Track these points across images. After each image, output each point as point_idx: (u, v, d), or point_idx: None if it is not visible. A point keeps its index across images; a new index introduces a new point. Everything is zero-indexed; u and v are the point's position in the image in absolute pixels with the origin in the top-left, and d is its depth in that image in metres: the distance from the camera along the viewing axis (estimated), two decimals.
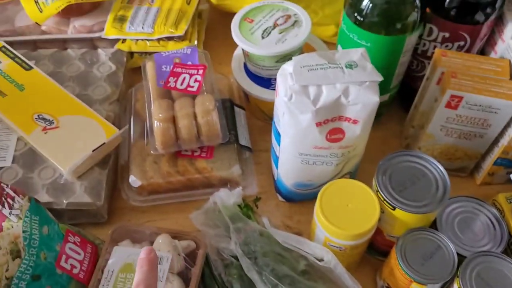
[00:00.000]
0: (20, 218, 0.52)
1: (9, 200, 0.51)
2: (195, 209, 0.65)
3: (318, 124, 0.56)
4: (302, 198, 0.70)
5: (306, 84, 0.54)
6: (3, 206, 0.50)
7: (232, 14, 0.75)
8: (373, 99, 0.54)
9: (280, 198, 0.72)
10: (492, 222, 0.61)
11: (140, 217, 0.70)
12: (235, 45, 0.80)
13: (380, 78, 0.55)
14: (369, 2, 0.62)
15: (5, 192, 0.51)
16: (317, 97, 0.54)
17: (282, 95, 0.56)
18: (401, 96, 0.78)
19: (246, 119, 0.77)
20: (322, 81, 0.54)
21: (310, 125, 0.56)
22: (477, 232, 0.60)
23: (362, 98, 0.54)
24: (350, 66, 0.56)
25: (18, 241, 0.51)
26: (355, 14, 0.64)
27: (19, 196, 0.53)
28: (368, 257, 0.66)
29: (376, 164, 0.69)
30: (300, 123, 0.56)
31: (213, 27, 0.94)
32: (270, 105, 0.75)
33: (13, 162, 0.67)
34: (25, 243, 0.51)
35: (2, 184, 0.51)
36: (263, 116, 0.79)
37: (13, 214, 0.51)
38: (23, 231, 0.51)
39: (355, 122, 0.57)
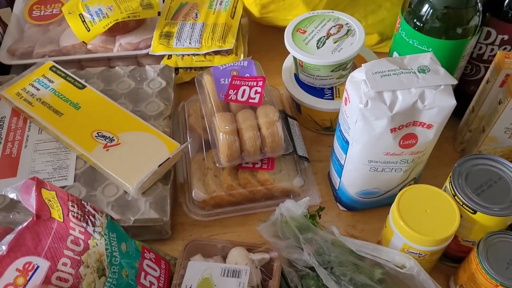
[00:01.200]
0: (102, 236, 0.51)
1: (91, 217, 0.50)
2: (257, 222, 0.64)
3: (393, 130, 0.56)
4: (365, 207, 0.69)
5: (381, 90, 0.54)
6: (87, 223, 0.49)
7: (270, 27, 0.75)
8: (450, 102, 0.54)
9: (340, 207, 0.71)
10: None
11: (202, 232, 0.69)
12: (277, 57, 0.81)
13: (455, 81, 0.55)
14: (429, 8, 0.63)
15: (86, 210, 0.50)
16: (393, 103, 0.54)
17: (356, 102, 0.55)
18: None
19: (300, 130, 0.76)
20: (397, 86, 0.54)
21: (385, 131, 0.55)
22: None
23: (438, 102, 0.54)
24: (423, 70, 0.56)
25: (103, 259, 0.50)
26: (415, 20, 0.64)
27: (98, 213, 0.52)
28: (438, 263, 0.65)
29: (432, 170, 0.70)
30: (374, 129, 0.56)
31: (253, 40, 0.95)
32: (323, 115, 0.76)
33: (75, 180, 0.66)
34: (108, 260, 0.50)
35: (83, 202, 0.51)
36: (315, 126, 0.79)
37: (96, 232, 0.50)
38: (106, 249, 0.51)
39: (429, 126, 0.56)
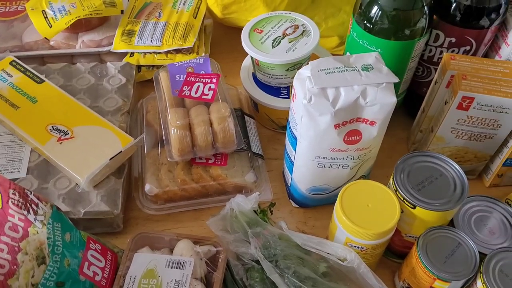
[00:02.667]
0: (44, 224, 0.51)
1: (33, 206, 0.51)
2: (209, 216, 0.65)
3: (337, 126, 0.57)
4: (316, 204, 0.71)
5: (324, 86, 0.56)
6: (28, 211, 0.50)
7: (234, 28, 0.76)
8: (391, 99, 0.56)
9: (293, 204, 0.72)
10: (508, 219, 0.62)
11: (155, 226, 0.69)
12: (239, 58, 0.82)
13: (396, 79, 0.56)
14: (378, 10, 0.65)
15: (29, 198, 0.51)
16: (336, 99, 0.55)
17: (301, 98, 0.57)
18: (406, 102, 0.80)
19: (256, 128, 0.78)
20: (340, 83, 0.56)
21: (329, 127, 0.57)
22: (493, 229, 0.61)
23: (380, 99, 0.56)
24: (366, 68, 0.57)
25: (43, 247, 0.50)
26: (365, 22, 0.66)
27: (42, 203, 0.52)
28: (384, 259, 0.66)
29: (384, 169, 0.71)
30: (318, 125, 0.57)
31: (217, 41, 0.96)
32: (280, 113, 0.77)
33: (27, 173, 0.67)
34: (49, 249, 0.50)
35: (26, 191, 0.51)
36: (272, 124, 0.80)
37: (38, 220, 0.50)
38: (47, 238, 0.51)
39: (372, 123, 0.58)
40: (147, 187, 0.67)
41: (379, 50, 0.66)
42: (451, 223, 0.61)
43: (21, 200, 0.50)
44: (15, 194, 0.49)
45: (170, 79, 0.70)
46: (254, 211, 0.66)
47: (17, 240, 0.48)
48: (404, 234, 0.61)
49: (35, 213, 0.51)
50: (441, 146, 0.70)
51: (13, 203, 0.49)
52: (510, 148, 0.67)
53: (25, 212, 0.50)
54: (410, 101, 0.79)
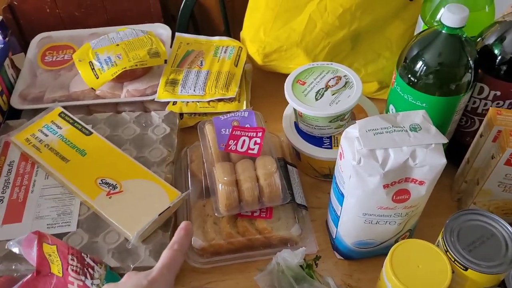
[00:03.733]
0: (100, 287, 0.52)
1: (90, 270, 0.52)
2: (255, 269, 0.65)
3: (386, 186, 0.57)
4: (361, 256, 0.70)
5: (373, 148, 0.56)
6: (86, 276, 0.51)
7: (273, 73, 0.77)
8: (440, 160, 0.56)
9: (338, 256, 0.72)
10: None
11: (201, 279, 0.70)
12: (279, 102, 0.83)
13: (445, 140, 0.57)
14: (423, 65, 0.65)
15: (86, 262, 0.52)
16: (385, 160, 0.56)
17: (349, 158, 0.57)
18: (450, 150, 0.79)
19: (299, 177, 0.78)
20: (389, 144, 0.56)
21: (378, 187, 0.57)
22: None
23: (429, 160, 0.56)
24: (414, 129, 0.57)
25: None
26: (409, 76, 0.67)
27: (97, 265, 0.54)
28: None
29: (429, 219, 0.70)
30: (367, 185, 0.57)
31: (257, 85, 0.97)
32: (322, 163, 0.77)
33: (77, 227, 0.68)
34: None
35: (82, 255, 0.53)
36: (314, 173, 0.81)
37: (94, 284, 0.52)
38: None
39: (421, 183, 0.58)
40: (193, 240, 0.68)
41: (424, 104, 0.66)
42: (502, 283, 0.60)
43: (79, 265, 0.51)
44: (73, 260, 0.51)
45: (216, 132, 0.71)
46: (300, 265, 0.66)
47: None
48: None
49: (92, 277, 0.52)
50: (488, 199, 0.69)
51: (72, 270, 0.50)
52: None
53: (83, 278, 0.51)
54: (454, 150, 0.79)
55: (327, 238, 0.74)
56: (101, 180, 0.71)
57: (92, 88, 0.86)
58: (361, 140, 0.57)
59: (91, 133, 0.77)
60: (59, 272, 0.49)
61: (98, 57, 0.86)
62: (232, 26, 1.26)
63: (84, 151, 0.75)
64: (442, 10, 0.62)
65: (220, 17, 1.27)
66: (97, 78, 0.84)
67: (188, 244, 0.54)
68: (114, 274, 0.56)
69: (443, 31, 0.63)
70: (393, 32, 0.88)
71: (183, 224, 0.54)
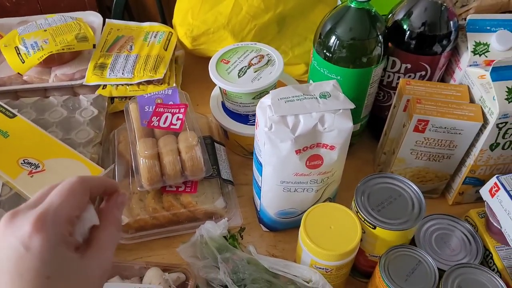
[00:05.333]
0: None
1: None
2: (181, 243, 0.66)
3: (298, 152, 0.59)
4: (286, 227, 0.72)
5: (284, 114, 0.58)
6: None
7: (206, 58, 0.79)
8: (348, 124, 0.59)
9: (264, 228, 0.74)
10: (467, 237, 0.64)
11: (127, 255, 0.70)
12: (211, 87, 0.85)
13: (352, 105, 0.59)
14: (336, 39, 0.68)
15: None
16: (295, 126, 0.58)
17: (262, 126, 0.59)
18: (371, 125, 0.83)
19: (226, 155, 0.80)
20: (299, 111, 0.58)
21: (290, 152, 0.59)
22: (453, 247, 0.63)
23: (337, 125, 0.58)
24: (324, 96, 0.60)
25: None
26: (324, 51, 0.69)
27: None
28: (352, 279, 0.68)
29: (352, 191, 0.73)
30: (280, 151, 0.59)
31: (189, 71, 0.99)
32: (248, 140, 0.79)
33: None
34: None
35: None
36: (242, 151, 0.82)
37: None
38: None
39: (332, 148, 0.60)
40: None
41: (339, 77, 0.69)
42: (413, 242, 0.63)
43: None
44: None
45: (140, 110, 0.72)
46: (224, 236, 0.68)
47: None
48: (368, 254, 0.63)
49: None
50: (403, 167, 0.73)
51: None
52: (468, 167, 0.70)
53: None
54: (374, 125, 0.82)
55: (255, 213, 0.76)
56: (23, 160, 0.70)
57: (18, 74, 0.85)
58: (272, 108, 0.59)
59: (15, 115, 0.77)
60: None
61: (25, 42, 0.85)
62: (168, 16, 1.27)
63: (6, 133, 0.74)
64: None
65: (156, 6, 1.27)
66: (23, 62, 0.84)
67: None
68: None
69: (352, 6, 0.66)
70: (318, 16, 0.90)
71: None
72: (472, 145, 0.68)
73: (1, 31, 0.97)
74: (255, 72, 0.75)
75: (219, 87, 0.78)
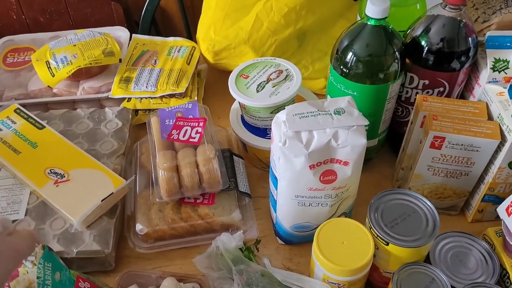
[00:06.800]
0: (35, 265, 0.55)
1: None
2: (198, 254, 0.68)
3: (312, 167, 0.60)
4: (301, 240, 0.73)
5: (298, 130, 0.59)
6: None
7: (228, 72, 0.81)
8: (361, 141, 0.59)
9: (279, 241, 0.75)
10: (484, 256, 0.63)
11: (145, 264, 0.72)
12: (232, 100, 0.86)
13: (366, 122, 0.60)
14: (353, 56, 0.69)
15: None
16: (309, 142, 0.59)
17: (277, 141, 0.60)
18: (390, 140, 0.83)
19: (244, 168, 0.81)
20: (313, 126, 0.59)
21: (304, 167, 0.60)
22: (470, 266, 0.63)
23: (350, 141, 0.59)
24: (338, 112, 0.61)
25: (33, 286, 0.53)
26: (341, 67, 0.70)
27: None
28: None
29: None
30: (294, 166, 0.60)
31: (211, 84, 1.01)
32: (267, 153, 0.80)
33: (26, 214, 0.71)
34: None
35: None
36: (260, 164, 0.84)
37: (28, 261, 0.54)
38: (37, 277, 0.54)
39: (345, 163, 0.61)
40: (137, 226, 0.70)
41: (356, 93, 0.70)
42: (428, 260, 0.63)
43: None
44: None
45: (160, 123, 0.74)
46: (240, 248, 0.69)
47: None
48: (382, 270, 0.63)
49: None
50: (421, 183, 0.72)
51: None
52: (487, 185, 0.69)
53: None
54: (393, 140, 0.82)
55: (271, 225, 0.77)
56: (50, 170, 0.73)
57: (49, 87, 0.89)
58: (287, 123, 0.60)
59: (43, 127, 0.80)
60: None
61: (55, 56, 0.89)
62: (193, 31, 1.30)
63: (35, 144, 0.77)
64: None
65: (182, 22, 1.31)
66: (53, 76, 0.88)
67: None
68: (53, 255, 0.59)
69: (369, 23, 0.67)
70: (338, 31, 0.90)
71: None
72: (491, 162, 0.67)
73: (34, 45, 1.02)
74: (273, 87, 0.76)
75: (239, 102, 0.79)
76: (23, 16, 1.29)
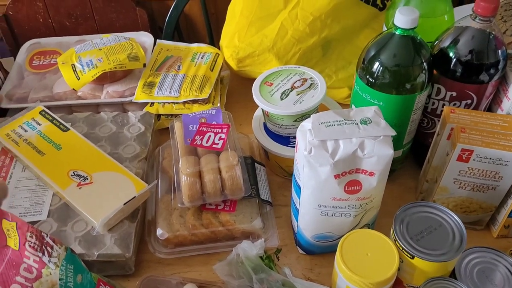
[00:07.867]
0: (58, 266, 0.55)
1: (48, 248, 0.54)
2: (218, 261, 0.67)
3: (337, 176, 0.59)
4: (323, 251, 0.72)
5: (324, 138, 0.59)
6: (43, 254, 0.53)
7: (251, 79, 0.81)
8: (388, 151, 0.58)
9: (300, 251, 0.74)
10: (510, 272, 0.62)
11: (165, 270, 0.72)
12: (254, 107, 0.86)
13: (393, 132, 0.59)
14: (380, 65, 0.68)
15: (45, 241, 0.55)
16: (335, 151, 0.58)
17: (302, 149, 0.60)
18: (414, 152, 0.82)
19: (266, 175, 0.81)
20: (339, 136, 0.59)
21: (329, 177, 0.59)
22: (496, 282, 0.61)
23: (377, 151, 0.58)
24: (365, 122, 0.60)
25: None
26: (367, 77, 0.70)
27: (57, 245, 0.56)
28: None
29: (392, 218, 0.72)
30: (319, 175, 0.60)
31: (234, 91, 1.01)
32: (289, 161, 0.80)
33: (48, 216, 0.71)
34: None
35: (42, 234, 0.55)
36: (282, 172, 0.83)
37: (51, 262, 0.54)
38: (60, 279, 0.54)
39: (371, 174, 0.60)
40: (158, 231, 0.70)
41: (381, 103, 0.69)
42: (453, 275, 0.62)
43: (37, 242, 0.54)
44: (32, 237, 0.53)
45: (184, 128, 0.74)
46: (260, 257, 0.68)
47: (30, 281, 0.51)
48: (406, 284, 0.62)
49: (50, 255, 0.54)
50: (446, 197, 0.71)
51: (30, 245, 0.53)
52: None
53: (40, 254, 0.53)
54: (418, 151, 0.81)
55: (292, 235, 0.76)
56: (73, 172, 0.74)
57: (73, 89, 0.90)
58: (313, 132, 0.59)
59: (68, 129, 0.81)
60: (15, 246, 0.51)
61: (81, 60, 0.90)
62: (216, 37, 1.31)
63: (60, 146, 0.78)
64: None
65: (205, 28, 1.32)
66: (78, 79, 0.88)
67: None
68: (75, 257, 0.59)
69: (397, 33, 0.66)
70: (363, 41, 0.90)
71: None
72: None
73: (60, 48, 1.03)
74: (297, 95, 0.76)
75: (262, 109, 0.79)
76: (50, 20, 1.31)
